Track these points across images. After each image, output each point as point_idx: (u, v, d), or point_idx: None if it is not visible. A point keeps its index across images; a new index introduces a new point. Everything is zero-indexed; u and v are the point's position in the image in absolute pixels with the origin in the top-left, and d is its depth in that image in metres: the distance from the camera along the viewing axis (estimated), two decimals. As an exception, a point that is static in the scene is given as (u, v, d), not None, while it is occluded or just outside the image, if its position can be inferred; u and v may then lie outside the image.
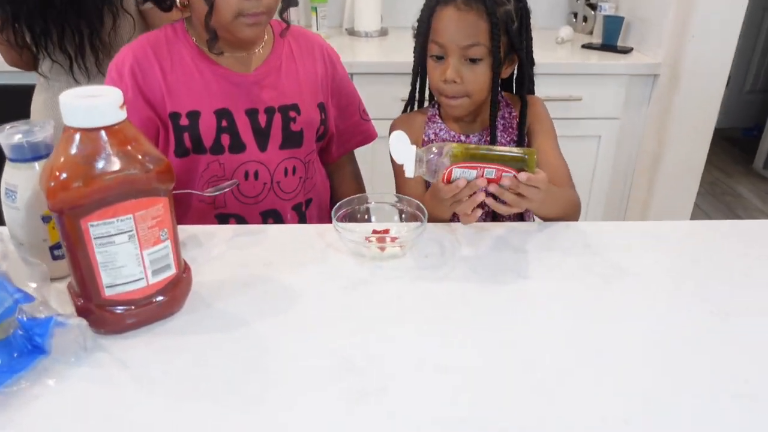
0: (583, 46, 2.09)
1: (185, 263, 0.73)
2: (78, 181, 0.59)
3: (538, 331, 0.70)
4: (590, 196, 2.10)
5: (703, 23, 1.79)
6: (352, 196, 0.91)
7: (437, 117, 1.08)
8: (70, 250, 0.62)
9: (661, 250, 0.90)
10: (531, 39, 1.02)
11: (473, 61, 0.96)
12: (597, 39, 2.17)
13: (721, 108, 1.96)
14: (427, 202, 0.89)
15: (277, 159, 1.04)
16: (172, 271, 0.68)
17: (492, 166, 0.79)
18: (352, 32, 2.20)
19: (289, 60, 1.05)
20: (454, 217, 0.92)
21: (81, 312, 0.65)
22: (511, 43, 0.98)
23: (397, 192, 1.05)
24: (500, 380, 0.62)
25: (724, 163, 3.42)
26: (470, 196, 0.81)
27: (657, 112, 1.96)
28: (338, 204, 0.88)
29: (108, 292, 0.64)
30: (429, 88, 1.06)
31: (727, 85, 1.93)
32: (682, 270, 0.85)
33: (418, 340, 0.68)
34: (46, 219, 0.72)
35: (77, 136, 0.60)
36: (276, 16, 0.99)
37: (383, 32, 2.19)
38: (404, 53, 1.16)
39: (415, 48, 1.04)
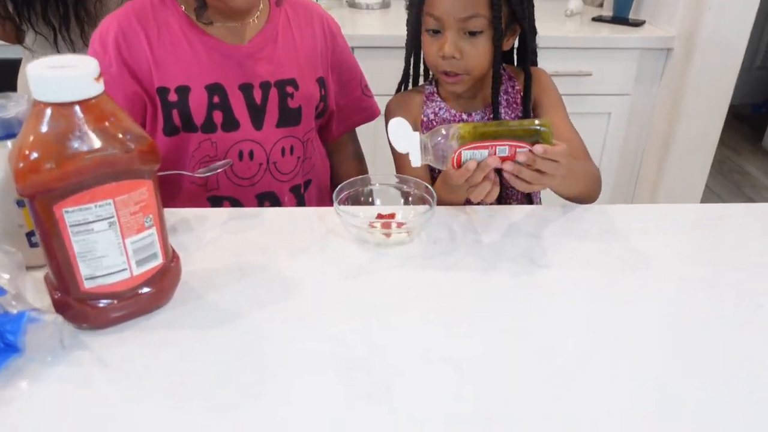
0: (593, 19, 2.02)
1: (173, 251, 0.67)
2: (50, 162, 0.53)
3: (555, 319, 0.66)
4: (598, 176, 2.04)
5: (721, -7, 1.71)
6: (354, 178, 0.86)
7: (435, 95, 1.01)
8: (44, 240, 0.57)
9: (677, 233, 0.86)
10: (533, 6, 0.95)
11: (472, 34, 0.88)
12: (608, 11, 2.09)
13: (731, 85, 1.88)
14: (439, 190, 0.83)
15: (274, 138, 0.98)
16: (158, 261, 0.63)
17: (504, 142, 0.74)
18: (352, 4, 2.13)
19: (286, 31, 0.99)
20: (467, 200, 0.86)
21: (59, 306, 0.60)
22: (512, 12, 0.91)
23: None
24: (511, 372, 0.58)
25: (733, 141, 3.35)
26: (484, 178, 0.75)
27: (669, 88, 1.90)
28: (340, 186, 0.83)
29: (88, 285, 0.59)
30: (424, 64, 0.99)
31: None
32: (701, 254, 0.82)
33: (424, 329, 0.64)
34: (20, 203, 0.66)
35: (48, 112, 0.53)
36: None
37: (385, 4, 2.13)
38: (408, 26, 1.09)
39: (408, 20, 0.97)
